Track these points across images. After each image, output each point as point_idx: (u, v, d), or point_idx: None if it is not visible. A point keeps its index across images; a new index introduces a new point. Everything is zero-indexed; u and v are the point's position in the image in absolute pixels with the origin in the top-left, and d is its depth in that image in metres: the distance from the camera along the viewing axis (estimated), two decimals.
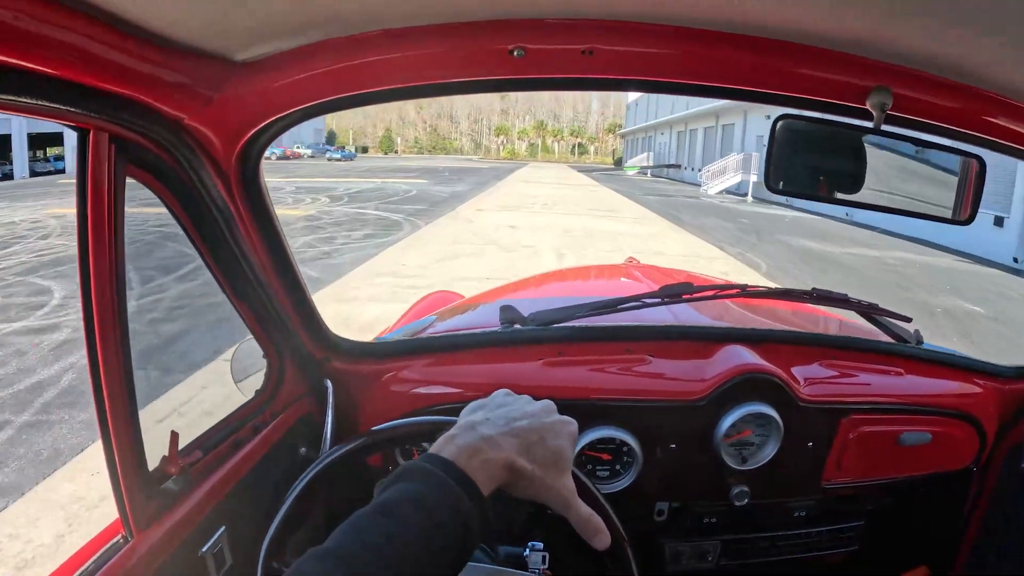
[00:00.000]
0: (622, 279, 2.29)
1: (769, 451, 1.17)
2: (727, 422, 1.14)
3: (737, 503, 1.18)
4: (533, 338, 1.22)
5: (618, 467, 1.17)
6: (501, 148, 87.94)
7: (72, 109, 0.63)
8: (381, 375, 1.17)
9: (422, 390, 1.17)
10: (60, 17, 0.55)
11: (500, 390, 0.69)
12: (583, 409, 1.13)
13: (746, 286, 1.33)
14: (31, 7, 0.51)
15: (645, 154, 48.97)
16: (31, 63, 0.54)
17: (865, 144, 0.85)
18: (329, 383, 1.10)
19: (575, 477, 0.66)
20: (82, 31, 0.58)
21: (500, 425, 0.60)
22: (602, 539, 0.62)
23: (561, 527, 0.97)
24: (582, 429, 1.13)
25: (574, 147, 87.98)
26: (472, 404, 0.66)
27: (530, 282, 2.32)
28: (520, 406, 0.65)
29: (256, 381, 1.05)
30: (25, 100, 0.56)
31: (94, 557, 0.75)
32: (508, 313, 1.26)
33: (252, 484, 0.94)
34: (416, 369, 1.18)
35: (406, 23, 0.75)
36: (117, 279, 0.76)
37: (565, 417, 0.65)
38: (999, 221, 12.32)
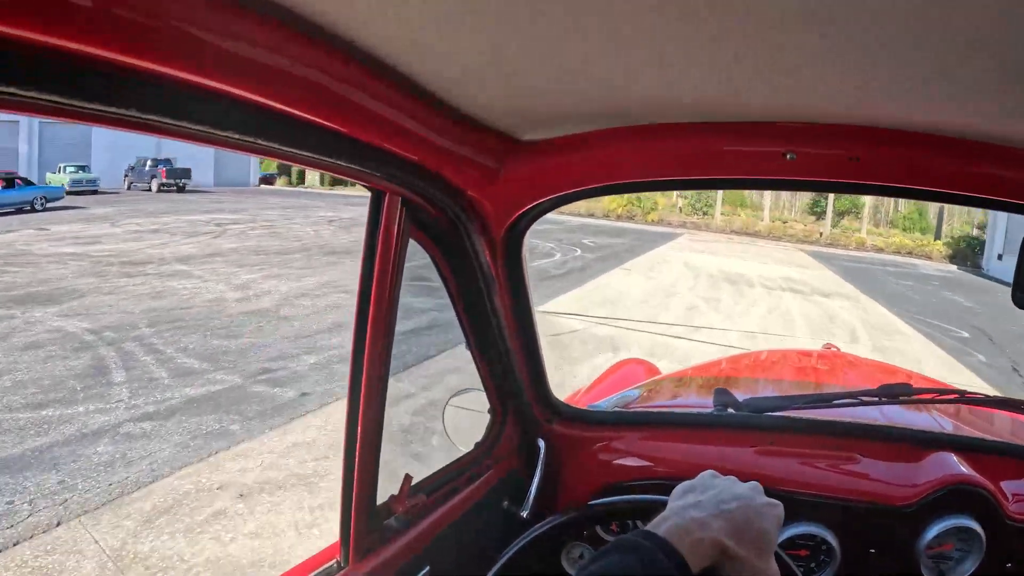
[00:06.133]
0: (825, 367, 2.24)
1: (968, 567, 1.11)
2: (931, 533, 1.10)
3: None
4: (747, 424, 1.22)
5: (813, 565, 1.13)
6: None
7: (377, 174, 0.70)
8: (593, 442, 1.19)
9: (628, 462, 1.19)
10: (382, 89, 0.61)
11: (707, 471, 0.71)
12: (787, 502, 1.11)
13: (965, 392, 1.30)
14: (359, 76, 0.57)
15: None
16: (354, 132, 0.60)
17: None
18: (541, 443, 1.13)
19: (779, 560, 0.67)
20: (397, 104, 0.65)
21: (710, 507, 0.62)
22: None
23: None
24: (784, 523, 1.11)
25: (816, 204, 32.13)
26: (682, 486, 0.68)
27: (729, 364, 2.30)
28: (728, 487, 0.67)
29: (472, 431, 1.10)
30: (343, 163, 0.63)
31: None
32: (722, 397, 1.26)
33: (458, 530, 0.98)
34: (627, 441, 1.19)
35: (688, 119, 0.80)
36: (389, 326, 0.83)
37: (772, 500, 0.67)
38: None
